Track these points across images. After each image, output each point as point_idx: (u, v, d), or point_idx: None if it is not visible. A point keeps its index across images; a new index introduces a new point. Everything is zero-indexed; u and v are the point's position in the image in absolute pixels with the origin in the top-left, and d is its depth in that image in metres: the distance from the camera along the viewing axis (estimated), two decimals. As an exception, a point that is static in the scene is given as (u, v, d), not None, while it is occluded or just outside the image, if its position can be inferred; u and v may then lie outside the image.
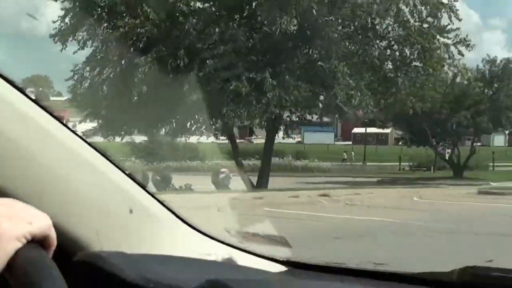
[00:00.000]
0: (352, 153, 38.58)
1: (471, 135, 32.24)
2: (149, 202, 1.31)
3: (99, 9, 17.89)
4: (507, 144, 45.05)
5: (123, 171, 1.29)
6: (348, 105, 17.13)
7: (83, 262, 1.14)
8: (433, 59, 16.49)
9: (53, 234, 0.97)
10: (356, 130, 36.60)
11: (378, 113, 21.72)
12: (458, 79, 27.75)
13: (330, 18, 16.21)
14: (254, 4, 16.29)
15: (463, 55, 16.85)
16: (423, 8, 16.22)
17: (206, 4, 17.53)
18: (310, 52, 16.43)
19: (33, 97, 1.22)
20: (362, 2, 16.03)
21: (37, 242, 0.93)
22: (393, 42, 16.78)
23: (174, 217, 1.37)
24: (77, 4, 17.83)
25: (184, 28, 16.70)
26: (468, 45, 16.94)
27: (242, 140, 39.96)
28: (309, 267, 1.46)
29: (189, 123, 20.44)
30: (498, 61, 31.17)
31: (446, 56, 16.79)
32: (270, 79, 15.92)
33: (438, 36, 16.31)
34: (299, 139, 44.49)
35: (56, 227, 1.10)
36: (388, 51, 17.15)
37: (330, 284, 1.35)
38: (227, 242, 1.43)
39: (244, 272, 1.32)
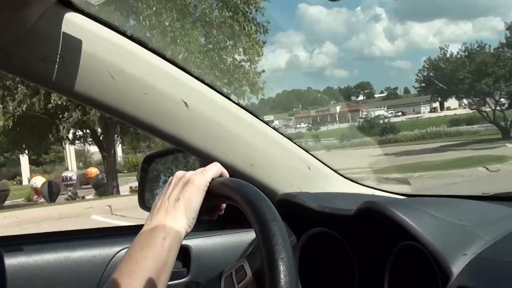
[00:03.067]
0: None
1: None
2: (317, 162, 1.97)
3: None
4: None
5: (293, 141, 1.95)
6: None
7: (284, 199, 1.77)
8: None
9: (225, 173, 1.31)
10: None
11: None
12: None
13: None
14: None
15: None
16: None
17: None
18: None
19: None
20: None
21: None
22: None
23: (334, 172, 2.02)
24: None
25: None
26: None
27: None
28: (422, 196, 2.08)
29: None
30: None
31: None
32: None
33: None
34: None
35: (260, 181, 1.79)
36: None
37: (442, 200, 1.70)
38: (368, 185, 2.08)
39: (385, 198, 1.93)
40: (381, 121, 43.08)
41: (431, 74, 35.04)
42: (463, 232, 1.34)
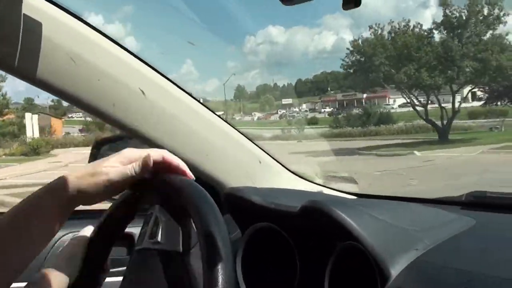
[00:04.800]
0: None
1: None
2: (268, 158, 1.99)
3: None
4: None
5: (247, 138, 1.97)
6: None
7: (230, 193, 1.77)
8: None
9: (168, 159, 1.23)
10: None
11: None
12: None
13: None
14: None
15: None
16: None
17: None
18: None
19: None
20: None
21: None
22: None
23: (283, 167, 2.05)
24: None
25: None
26: None
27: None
28: (370, 196, 2.11)
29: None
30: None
31: None
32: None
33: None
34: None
35: (211, 173, 1.80)
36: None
37: (386, 203, 1.80)
38: (316, 182, 2.10)
39: (330, 197, 1.97)
40: (379, 111, 40.45)
41: (361, 59, 30.08)
42: (404, 235, 1.37)
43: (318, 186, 2.07)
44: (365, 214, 1.39)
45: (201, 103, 1.83)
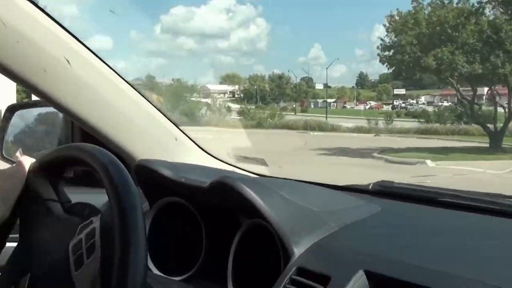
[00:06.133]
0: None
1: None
2: (184, 137, 2.00)
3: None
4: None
5: (166, 116, 1.98)
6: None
7: (141, 165, 1.74)
8: None
9: None
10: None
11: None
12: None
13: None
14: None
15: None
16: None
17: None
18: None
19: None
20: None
21: None
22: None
23: (197, 146, 2.06)
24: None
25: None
26: None
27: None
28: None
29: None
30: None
31: None
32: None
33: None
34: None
35: (124, 146, 1.80)
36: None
37: (297, 184, 1.85)
38: (228, 162, 2.13)
39: (241, 175, 1.98)
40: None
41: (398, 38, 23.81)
42: (310, 216, 1.41)
43: (231, 166, 2.10)
44: (273, 193, 1.42)
45: (123, 78, 1.82)
